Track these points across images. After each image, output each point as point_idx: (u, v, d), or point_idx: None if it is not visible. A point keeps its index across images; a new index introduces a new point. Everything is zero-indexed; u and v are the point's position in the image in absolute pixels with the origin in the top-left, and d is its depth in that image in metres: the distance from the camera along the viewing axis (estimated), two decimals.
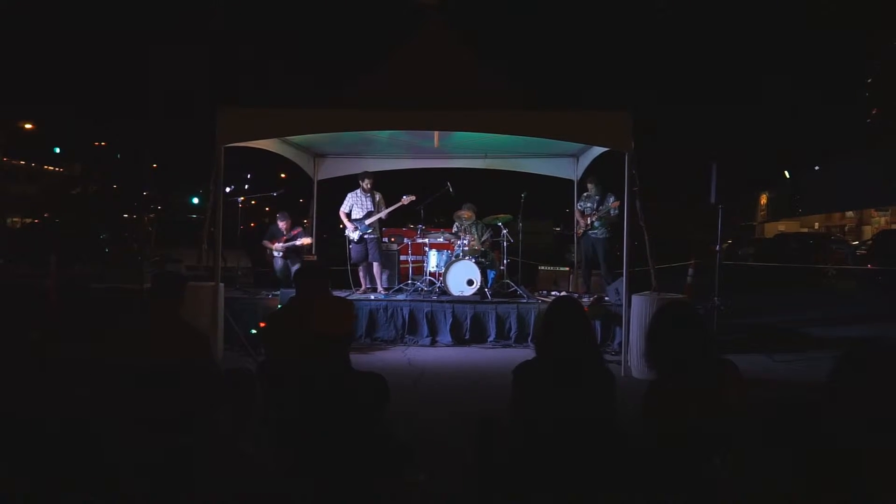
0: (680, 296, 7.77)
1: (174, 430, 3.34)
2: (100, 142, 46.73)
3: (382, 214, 9.64)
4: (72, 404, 3.55)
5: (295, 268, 9.91)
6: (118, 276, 9.93)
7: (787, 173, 48.82)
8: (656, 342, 2.81)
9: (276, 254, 10.14)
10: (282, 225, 10.24)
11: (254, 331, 7.72)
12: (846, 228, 43.59)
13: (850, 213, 44.93)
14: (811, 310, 12.61)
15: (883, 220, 40.53)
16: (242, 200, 10.52)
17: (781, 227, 45.11)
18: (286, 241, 10.08)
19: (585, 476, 2.74)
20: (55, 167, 45.58)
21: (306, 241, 10.33)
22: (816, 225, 45.61)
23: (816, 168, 47.04)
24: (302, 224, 10.41)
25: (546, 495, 2.77)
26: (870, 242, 20.97)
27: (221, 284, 7.53)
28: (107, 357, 3.59)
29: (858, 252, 21.30)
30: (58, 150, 45.46)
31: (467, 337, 8.55)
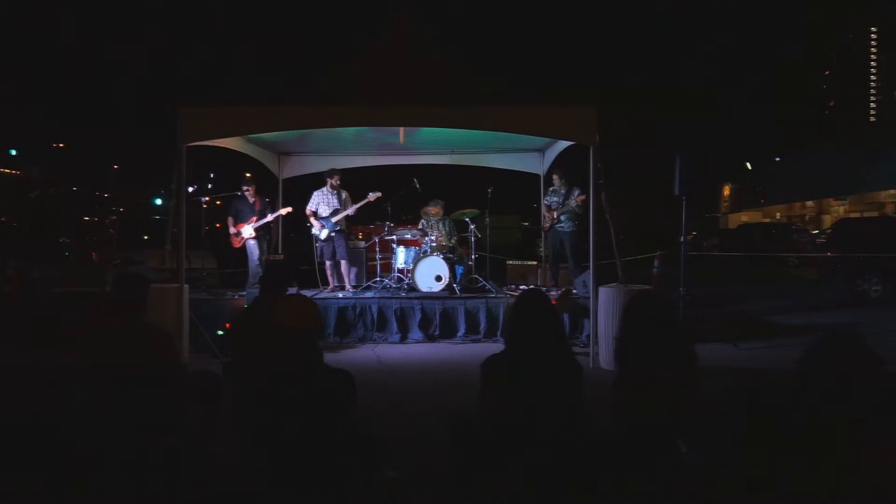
0: (648, 286, 7.83)
1: (140, 433, 3.28)
2: (58, 143, 45.75)
3: (349, 211, 9.57)
4: (36, 409, 3.47)
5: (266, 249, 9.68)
6: (79, 280, 9.72)
7: (748, 165, 49.72)
8: (628, 334, 2.82)
9: (246, 237, 9.46)
10: (248, 194, 9.59)
11: (220, 332, 7.62)
12: (807, 218, 44.56)
13: (810, 203, 45.92)
14: (774, 298, 12.87)
15: (842, 209, 41.51)
16: (207, 201, 10.33)
17: (745, 217, 45.96)
18: (258, 220, 9.51)
19: (555, 466, 2.75)
20: (11, 170, 44.47)
21: (283, 211, 9.95)
22: (778, 215, 46.55)
23: (777, 159, 47.99)
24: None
25: (516, 485, 2.77)
26: (829, 231, 21.43)
27: (186, 286, 7.41)
28: (69, 361, 3.51)
29: (818, 240, 21.77)
30: (14, 153, 44.39)
31: (437, 333, 8.54)
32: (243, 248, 9.61)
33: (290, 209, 10.08)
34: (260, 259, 9.49)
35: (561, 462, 2.77)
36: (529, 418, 2.86)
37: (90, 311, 7.68)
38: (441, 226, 9.92)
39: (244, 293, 8.69)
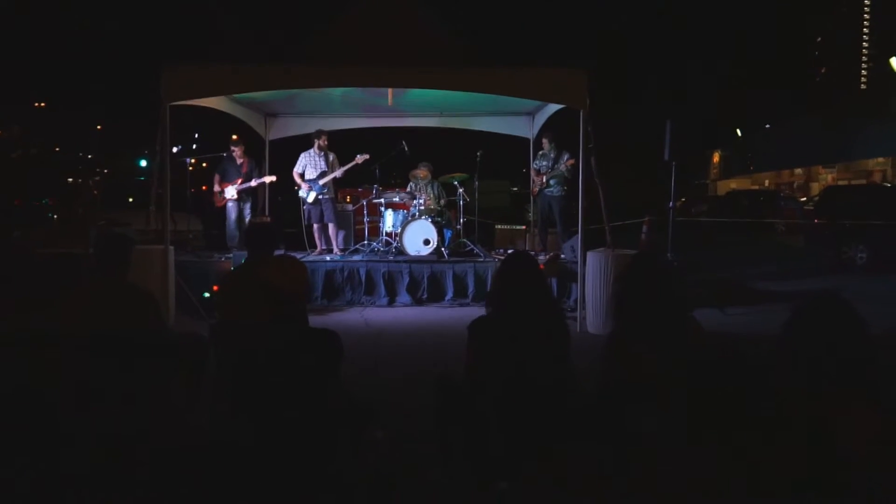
0: (635, 251, 7.84)
1: (125, 397, 3.25)
2: (39, 102, 44.91)
3: (337, 174, 9.47)
4: (18, 374, 3.42)
5: (248, 214, 9.60)
6: (62, 242, 9.60)
7: (738, 132, 49.69)
8: (626, 292, 2.78)
9: (228, 198, 9.39)
10: (236, 154, 9.47)
11: (206, 294, 7.57)
12: (795, 185, 44.72)
13: (798, 171, 46.04)
14: (762, 264, 12.94)
15: (829, 176, 41.66)
16: (192, 162, 10.17)
17: (733, 184, 46.04)
18: (242, 182, 9.42)
19: (540, 429, 2.75)
20: None
21: (267, 179, 9.87)
22: (767, 182, 46.65)
23: (767, 126, 47.97)
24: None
25: (502, 448, 2.77)
26: (817, 199, 21.51)
27: (171, 247, 7.33)
28: (53, 325, 3.46)
29: (806, 208, 21.86)
30: None
31: (425, 297, 8.54)
32: (224, 208, 9.53)
33: (274, 178, 9.99)
34: (237, 221, 9.41)
35: (546, 424, 2.77)
36: (516, 380, 2.85)
37: (73, 274, 7.59)
38: (429, 189, 9.85)
39: (230, 255, 8.63)
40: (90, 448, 3.12)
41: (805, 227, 16.19)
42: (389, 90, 9.17)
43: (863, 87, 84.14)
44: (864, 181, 34.06)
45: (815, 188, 39.48)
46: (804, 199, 29.74)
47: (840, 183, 35.55)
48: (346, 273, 8.56)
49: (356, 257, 9.11)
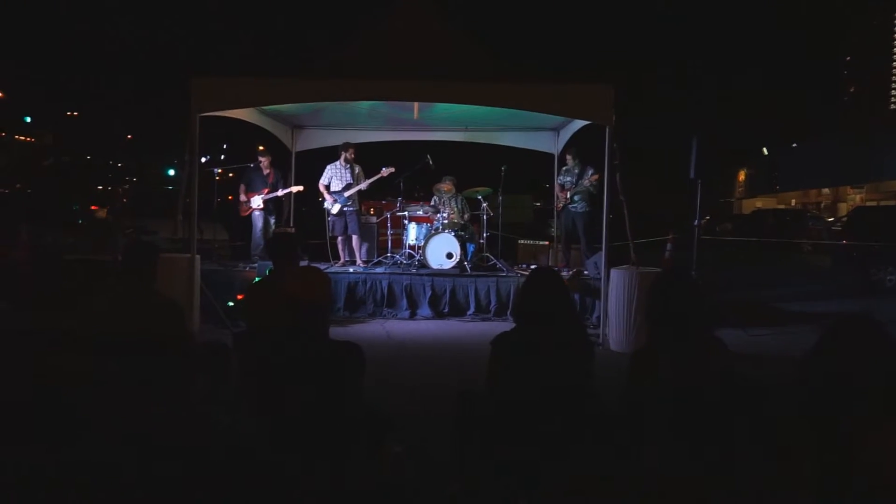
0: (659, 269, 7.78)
1: (144, 402, 3.28)
2: (72, 111, 45.80)
3: (362, 186, 9.53)
4: (44, 376, 3.48)
5: (273, 224, 9.67)
6: (94, 247, 9.76)
7: (765, 150, 49.26)
8: (655, 306, 2.75)
9: (254, 208, 9.49)
10: (263, 165, 9.55)
11: (231, 303, 7.65)
12: (822, 205, 44.17)
13: (826, 190, 45.49)
14: (787, 285, 12.78)
15: (858, 197, 41.13)
16: (220, 172, 10.30)
17: (759, 203, 45.61)
18: (269, 192, 9.52)
19: (562, 444, 2.74)
20: (26, 137, 44.60)
21: (294, 189, 9.93)
22: (793, 201, 46.15)
23: (794, 145, 47.51)
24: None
25: (523, 463, 2.77)
26: (845, 219, 21.23)
27: (198, 256, 7.42)
28: (79, 329, 3.51)
29: (833, 228, 21.58)
30: (28, 119, 44.50)
31: (446, 310, 8.54)
32: (250, 217, 9.63)
33: (301, 188, 10.06)
34: (263, 231, 9.50)
35: (567, 440, 2.76)
36: (538, 396, 2.84)
37: (101, 279, 7.70)
38: (453, 203, 9.87)
39: (255, 265, 8.71)
40: (103, 451, 3.15)
41: (832, 247, 15.97)
42: (415, 104, 9.23)
43: (892, 106, 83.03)
44: (893, 202, 33.55)
45: (843, 208, 38.96)
46: (831, 219, 29.34)
47: (869, 203, 35.03)
48: (368, 285, 8.60)
49: (379, 269, 9.14)
